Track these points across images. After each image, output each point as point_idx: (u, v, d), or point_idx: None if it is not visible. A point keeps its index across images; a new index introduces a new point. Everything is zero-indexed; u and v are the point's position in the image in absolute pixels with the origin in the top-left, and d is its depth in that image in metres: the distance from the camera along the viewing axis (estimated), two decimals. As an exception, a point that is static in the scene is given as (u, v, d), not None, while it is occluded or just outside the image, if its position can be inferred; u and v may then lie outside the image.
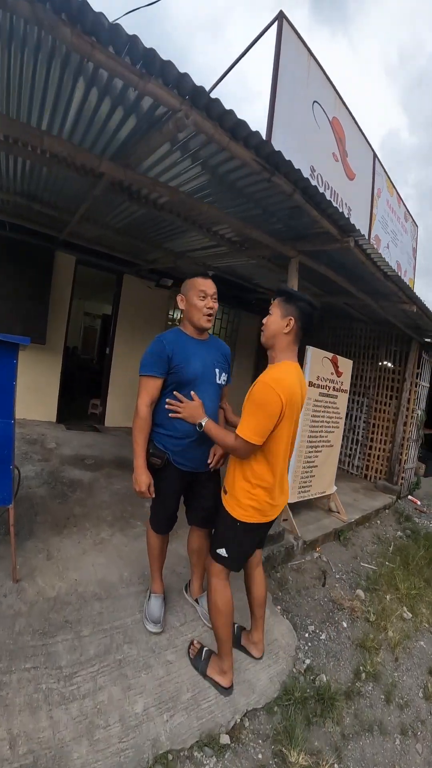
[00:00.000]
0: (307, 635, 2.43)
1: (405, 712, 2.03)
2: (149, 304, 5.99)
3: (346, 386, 4.13)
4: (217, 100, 1.60)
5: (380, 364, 5.80)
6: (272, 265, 4.05)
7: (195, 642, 1.96)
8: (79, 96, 1.82)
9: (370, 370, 5.90)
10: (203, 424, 1.68)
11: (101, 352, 6.14)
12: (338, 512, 4.08)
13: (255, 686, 1.88)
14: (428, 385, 5.78)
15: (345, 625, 2.60)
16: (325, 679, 2.04)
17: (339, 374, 3.99)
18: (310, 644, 2.35)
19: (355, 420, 5.97)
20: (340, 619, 2.65)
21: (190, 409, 1.73)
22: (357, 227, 2.61)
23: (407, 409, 5.23)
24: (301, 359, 2.04)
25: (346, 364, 4.14)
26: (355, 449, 5.94)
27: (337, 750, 1.69)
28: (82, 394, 6.90)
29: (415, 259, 4.65)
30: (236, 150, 1.86)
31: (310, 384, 3.56)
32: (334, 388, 3.91)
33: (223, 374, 1.93)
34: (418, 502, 5.32)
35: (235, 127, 1.76)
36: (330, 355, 3.90)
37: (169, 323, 6.46)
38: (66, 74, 1.67)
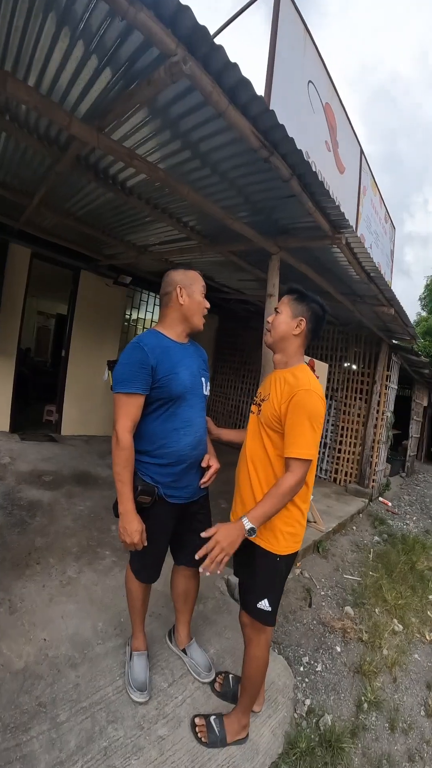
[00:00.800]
0: (302, 669, 2.23)
1: (409, 736, 1.94)
2: (107, 303, 5.54)
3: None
4: (220, 48, 1.29)
5: (347, 366, 5.79)
6: (244, 263, 3.79)
7: (198, 720, 1.61)
8: (50, 33, 1.43)
9: (337, 372, 5.87)
10: (254, 528, 1.27)
11: (56, 355, 5.61)
12: (315, 522, 3.93)
13: (258, 746, 1.63)
14: (396, 387, 5.86)
15: (339, 649, 2.43)
16: (329, 720, 1.87)
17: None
18: (307, 680, 2.15)
19: (324, 423, 5.90)
20: (332, 643, 2.48)
21: (226, 536, 1.26)
22: (350, 224, 2.41)
23: (377, 411, 5.24)
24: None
25: (322, 368, 4.01)
26: (324, 453, 5.89)
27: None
28: (36, 400, 6.35)
29: (393, 262, 4.66)
30: (234, 118, 1.56)
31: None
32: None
33: (207, 384, 1.67)
34: (390, 504, 5.36)
35: (237, 88, 1.46)
36: (307, 358, 3.72)
37: (126, 324, 6.04)
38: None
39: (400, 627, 2.72)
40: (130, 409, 1.43)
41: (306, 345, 1.54)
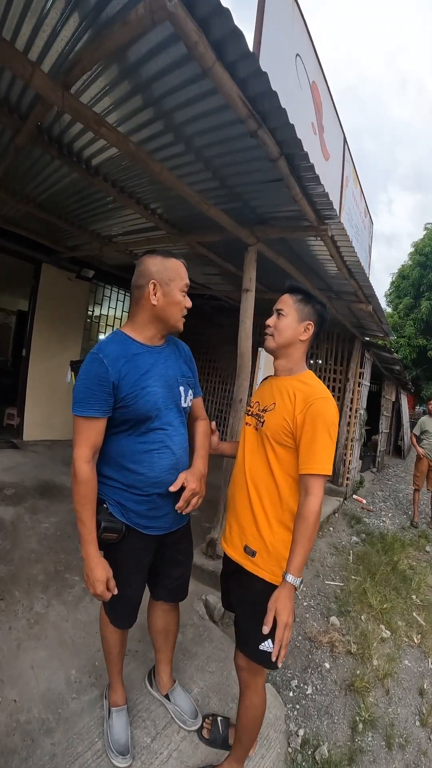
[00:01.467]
0: (291, 694, 2.08)
1: (407, 751, 1.88)
2: (69, 299, 5.14)
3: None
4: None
5: (318, 363, 5.74)
6: (214, 256, 3.58)
7: None
8: None
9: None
10: (297, 583, 1.14)
11: (17, 354, 5.14)
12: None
13: None
14: (368, 384, 5.88)
15: (328, 666, 2.30)
16: (326, 751, 1.75)
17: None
18: (298, 706, 2.01)
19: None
20: (321, 659, 2.35)
21: (287, 609, 1.12)
22: (337, 214, 2.25)
23: (351, 409, 5.21)
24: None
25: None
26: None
27: None
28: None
29: (370, 257, 4.61)
30: (221, 78, 1.33)
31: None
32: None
33: (189, 391, 1.38)
34: (364, 501, 5.38)
35: (226, 41, 1.23)
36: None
37: (88, 320, 5.65)
38: None
39: (388, 633, 2.65)
40: (88, 435, 1.18)
41: (307, 350, 1.42)
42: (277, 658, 1.11)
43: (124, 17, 1.16)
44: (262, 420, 1.30)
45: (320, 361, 5.67)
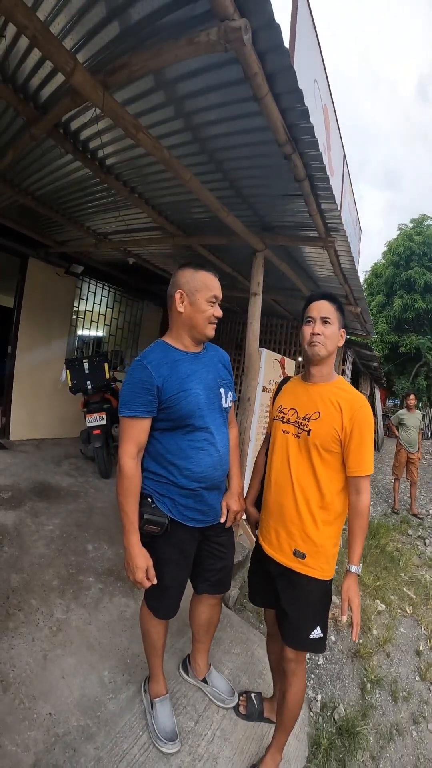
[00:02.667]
0: (306, 666, 2.25)
1: (410, 702, 2.14)
2: (55, 294, 5.00)
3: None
4: (277, 26, 1.14)
5: (299, 360, 5.96)
6: (213, 258, 3.66)
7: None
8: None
9: (292, 367, 6.01)
10: (359, 571, 1.36)
11: (2, 351, 4.97)
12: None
13: (288, 756, 1.62)
14: (349, 381, 6.18)
15: (333, 638, 2.54)
16: (342, 711, 1.99)
17: (285, 376, 3.86)
18: (313, 675, 2.24)
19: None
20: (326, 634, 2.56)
21: (356, 594, 1.32)
22: (344, 228, 2.41)
23: (334, 404, 5.46)
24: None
25: (290, 365, 4.05)
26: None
27: (373, 775, 1.67)
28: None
29: (359, 261, 4.83)
30: (270, 107, 1.41)
31: (264, 389, 3.34)
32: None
33: (229, 393, 1.50)
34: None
35: (278, 75, 1.32)
36: (279, 356, 3.74)
37: (74, 317, 5.55)
38: None
39: (383, 606, 2.93)
40: (133, 433, 1.30)
41: None
42: (349, 635, 1.32)
43: (191, 36, 1.20)
44: (306, 429, 1.34)
45: (300, 358, 5.88)
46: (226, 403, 1.46)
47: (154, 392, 1.28)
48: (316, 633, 1.36)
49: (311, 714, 1.94)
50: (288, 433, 1.40)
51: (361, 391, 8.59)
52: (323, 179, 1.90)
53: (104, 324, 6.14)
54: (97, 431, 4.00)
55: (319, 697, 2.05)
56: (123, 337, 6.52)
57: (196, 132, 1.84)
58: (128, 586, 2.41)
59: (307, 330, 1.38)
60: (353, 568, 1.31)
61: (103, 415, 4.06)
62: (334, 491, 1.33)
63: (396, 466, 5.59)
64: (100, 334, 6.22)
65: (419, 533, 4.68)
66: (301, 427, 1.36)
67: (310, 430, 1.33)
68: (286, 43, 1.29)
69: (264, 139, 1.71)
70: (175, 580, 1.43)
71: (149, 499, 1.35)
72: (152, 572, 1.31)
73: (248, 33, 1.09)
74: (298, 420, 1.38)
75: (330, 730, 1.84)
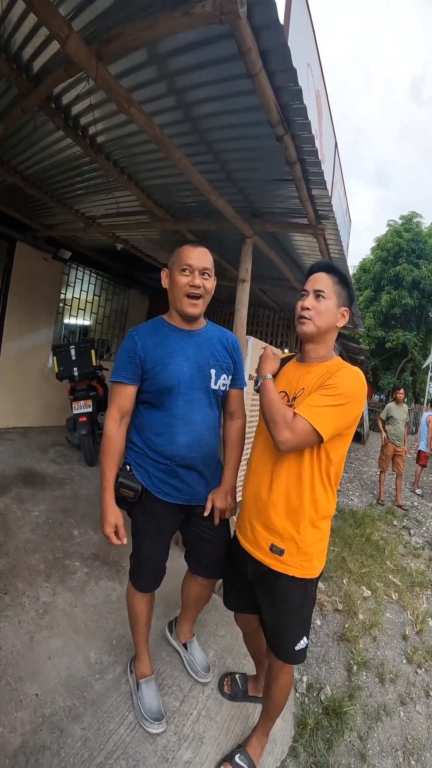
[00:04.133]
0: None
1: (397, 684, 2.18)
2: (43, 280, 4.90)
3: (279, 378, 4.06)
4: (273, 2, 1.12)
5: (287, 351, 5.99)
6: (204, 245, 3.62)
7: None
8: None
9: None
10: (266, 378, 1.26)
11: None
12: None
13: (275, 736, 1.64)
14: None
15: (319, 622, 2.58)
16: (329, 691, 2.02)
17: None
18: None
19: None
20: (312, 618, 2.60)
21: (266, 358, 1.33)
22: (334, 215, 2.41)
23: (321, 396, 5.52)
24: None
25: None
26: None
27: (361, 756, 1.72)
28: None
29: (348, 254, 4.84)
30: (263, 85, 1.39)
31: (250, 377, 3.34)
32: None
33: (223, 375, 1.44)
34: (331, 482, 5.78)
35: (273, 52, 1.30)
36: (265, 345, 3.74)
37: (61, 304, 5.47)
38: None
39: (369, 592, 2.99)
40: (117, 398, 1.40)
41: None
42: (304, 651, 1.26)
43: (187, 7, 1.17)
44: (291, 407, 1.20)
45: (287, 350, 5.91)
46: (214, 384, 1.42)
47: (137, 362, 1.35)
48: (302, 644, 1.26)
49: (297, 695, 1.96)
50: None
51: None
52: (315, 163, 1.89)
53: (91, 312, 6.06)
54: (83, 418, 3.97)
55: (305, 679, 2.07)
56: (110, 326, 6.45)
57: (188, 110, 1.81)
58: (114, 570, 2.42)
59: (299, 304, 1.25)
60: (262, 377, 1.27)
61: (89, 402, 4.03)
62: (318, 482, 1.19)
63: (382, 459, 5.68)
64: (87, 322, 6.14)
65: (404, 524, 4.79)
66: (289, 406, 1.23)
67: (294, 406, 1.20)
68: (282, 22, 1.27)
69: (256, 120, 1.69)
70: (149, 553, 1.45)
71: (128, 467, 1.42)
72: (122, 531, 1.36)
73: (244, 6, 1.07)
74: (287, 404, 1.25)
75: (316, 710, 1.86)
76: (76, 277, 5.68)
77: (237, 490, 1.57)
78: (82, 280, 5.79)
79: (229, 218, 2.58)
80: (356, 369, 1.19)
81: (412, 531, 4.58)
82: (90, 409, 4.02)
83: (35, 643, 1.75)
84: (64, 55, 1.54)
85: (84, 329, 6.17)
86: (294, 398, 1.25)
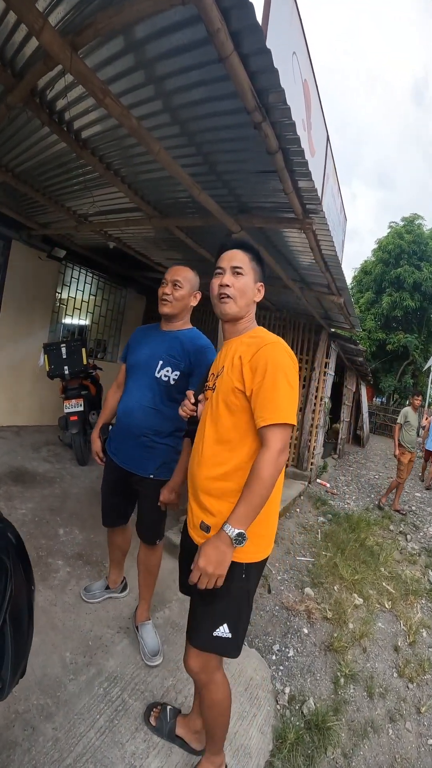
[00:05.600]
0: (274, 657, 2.24)
1: (387, 698, 2.07)
2: (38, 279, 4.90)
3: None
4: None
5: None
6: (191, 242, 3.59)
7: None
8: None
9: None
10: (243, 533, 1.02)
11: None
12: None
13: (250, 749, 1.58)
14: (333, 374, 6.18)
15: (306, 631, 2.49)
16: (312, 704, 1.92)
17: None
18: (282, 667, 2.16)
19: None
20: (299, 626, 2.53)
21: (210, 560, 1.03)
22: (322, 209, 2.36)
23: (316, 397, 5.47)
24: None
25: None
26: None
27: (344, 773, 1.61)
28: None
29: (343, 252, 4.80)
30: (236, 69, 1.35)
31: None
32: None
33: (168, 368, 1.68)
34: (328, 485, 5.69)
35: (244, 33, 1.26)
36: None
37: (57, 303, 5.46)
38: None
39: (361, 600, 2.89)
40: (119, 373, 1.90)
41: None
42: (236, 645, 1.14)
43: None
44: (215, 388, 1.19)
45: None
46: (157, 373, 1.67)
47: (127, 347, 1.87)
48: (222, 631, 1.12)
49: (278, 706, 1.88)
50: (207, 398, 1.26)
51: (346, 387, 8.66)
52: (298, 152, 1.84)
53: (87, 312, 6.04)
54: (74, 417, 3.94)
55: (287, 690, 1.98)
56: (106, 326, 6.43)
57: (166, 101, 1.78)
58: (96, 570, 2.38)
59: (215, 282, 1.23)
60: (227, 526, 1.01)
61: (81, 401, 4.00)
62: (241, 458, 1.11)
63: (401, 470, 5.26)
64: (83, 322, 6.12)
65: (401, 528, 4.69)
66: (213, 389, 1.21)
67: (216, 386, 1.19)
68: (257, 5, 1.24)
69: (235, 108, 1.65)
70: (105, 497, 1.88)
71: (110, 427, 1.87)
72: (101, 455, 1.86)
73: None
74: (211, 384, 1.24)
75: (298, 724, 1.77)
76: (71, 277, 5.68)
77: None
78: (78, 279, 5.78)
79: (213, 213, 2.54)
80: (276, 340, 1.13)
81: (408, 536, 4.48)
82: (81, 408, 3.99)
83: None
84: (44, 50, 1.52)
85: (80, 329, 6.15)
86: (217, 377, 1.21)
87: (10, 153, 2.69)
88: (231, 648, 1.16)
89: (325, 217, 2.47)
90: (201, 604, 1.17)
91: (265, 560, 1.20)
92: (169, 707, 1.54)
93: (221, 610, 1.14)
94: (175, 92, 1.72)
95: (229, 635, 1.13)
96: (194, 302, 1.74)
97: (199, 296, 1.75)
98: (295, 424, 1.08)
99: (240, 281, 1.20)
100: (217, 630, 1.12)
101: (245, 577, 1.12)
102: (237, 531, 1.00)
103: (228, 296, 1.19)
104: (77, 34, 1.41)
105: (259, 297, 1.27)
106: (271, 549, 1.21)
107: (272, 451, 1.02)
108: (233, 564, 1.07)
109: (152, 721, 1.49)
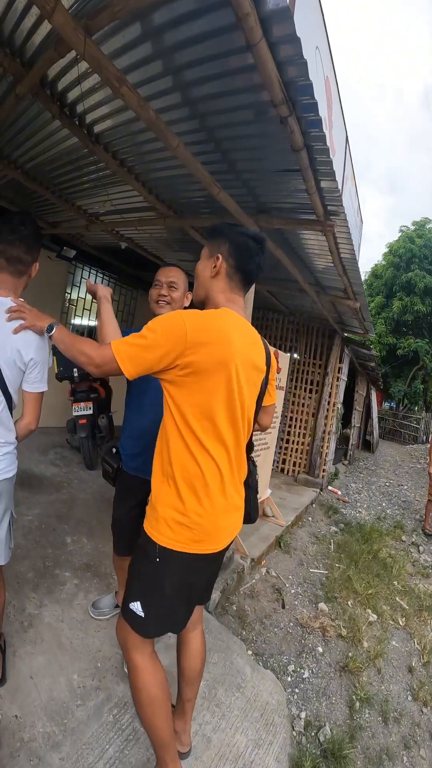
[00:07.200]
0: (290, 679, 2.15)
1: (402, 724, 2.00)
2: (47, 279, 4.83)
3: (284, 383, 3.92)
4: None
5: (295, 357, 5.82)
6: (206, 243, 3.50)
7: None
8: None
9: (287, 362, 5.87)
10: (53, 327, 1.27)
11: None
12: (275, 516, 3.87)
13: None
14: (346, 379, 6.06)
15: (321, 650, 2.40)
16: (328, 731, 1.84)
17: (278, 370, 3.73)
18: (297, 690, 2.08)
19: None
20: (313, 644, 2.44)
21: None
22: (344, 211, 2.27)
23: (329, 403, 5.35)
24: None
25: (284, 359, 3.92)
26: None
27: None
28: None
29: (359, 255, 4.69)
30: (264, 57, 1.27)
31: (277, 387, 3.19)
32: (275, 385, 3.63)
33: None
34: (339, 493, 5.56)
35: (273, 18, 1.18)
36: (273, 349, 3.58)
37: (66, 304, 5.40)
38: None
39: (374, 617, 2.79)
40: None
41: (239, 287, 1.21)
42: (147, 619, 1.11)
43: None
44: None
45: (296, 356, 5.75)
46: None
47: None
48: (136, 607, 1.12)
49: (294, 733, 1.79)
50: None
51: (357, 392, 8.50)
52: (323, 151, 1.76)
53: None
54: (83, 420, 3.86)
55: (303, 715, 1.90)
56: (116, 328, 6.37)
57: (185, 92, 1.69)
58: (105, 584, 2.29)
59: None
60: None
61: (90, 404, 3.92)
62: (174, 436, 1.08)
63: None
64: (93, 323, 6.07)
65: (413, 539, 4.56)
66: None
67: None
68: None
69: (259, 100, 1.56)
70: (122, 523, 1.68)
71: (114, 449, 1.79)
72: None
73: None
74: None
75: (314, 752, 1.69)
76: (81, 277, 5.63)
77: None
78: (88, 279, 5.73)
79: (232, 213, 2.45)
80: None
81: (421, 548, 4.35)
82: (90, 411, 3.91)
83: (18, 659, 1.65)
84: (55, 35, 1.45)
85: (90, 330, 6.10)
86: None
87: (20, 148, 2.61)
88: (140, 627, 1.14)
89: (346, 219, 2.38)
90: (129, 574, 1.20)
91: (195, 558, 1.09)
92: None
93: (135, 586, 1.15)
94: (194, 83, 1.63)
95: (142, 614, 1.12)
96: (187, 303, 1.70)
97: (190, 297, 1.69)
98: (119, 362, 1.02)
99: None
100: (132, 604, 1.13)
101: (159, 561, 1.09)
102: (48, 326, 1.28)
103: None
104: (91, 18, 1.32)
105: (214, 271, 1.18)
106: (204, 548, 1.10)
107: (103, 350, 1.06)
108: (147, 541, 1.10)
109: None
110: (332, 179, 1.97)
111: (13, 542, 1.48)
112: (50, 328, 1.25)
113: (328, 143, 1.75)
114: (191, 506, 1.07)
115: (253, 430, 1.32)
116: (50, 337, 1.27)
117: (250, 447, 1.31)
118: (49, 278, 4.85)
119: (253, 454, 1.39)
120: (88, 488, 3.56)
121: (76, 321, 5.77)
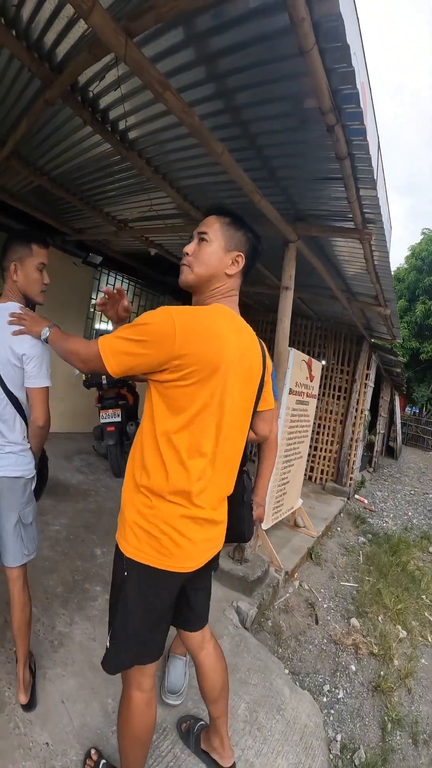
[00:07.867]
0: (325, 699, 2.10)
1: (430, 746, 1.96)
2: (72, 285, 4.88)
3: (316, 391, 3.84)
4: None
5: (323, 363, 5.71)
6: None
7: None
8: None
9: (319, 370, 5.78)
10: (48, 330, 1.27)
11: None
12: (305, 527, 3.78)
13: None
14: (373, 386, 5.92)
15: (354, 668, 2.34)
16: (363, 754, 1.80)
17: (311, 378, 3.66)
18: (333, 711, 2.03)
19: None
20: (347, 662, 2.39)
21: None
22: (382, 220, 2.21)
23: (356, 410, 5.24)
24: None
25: (317, 367, 3.85)
26: (298, 449, 5.81)
27: None
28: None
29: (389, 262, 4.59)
30: (315, 64, 1.23)
31: (290, 392, 3.12)
32: (307, 394, 3.57)
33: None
34: (366, 501, 5.43)
35: (325, 24, 1.15)
36: (306, 357, 3.53)
37: (92, 309, 5.46)
38: None
39: (404, 633, 2.71)
40: None
41: (238, 290, 1.14)
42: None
43: None
44: None
45: (323, 362, 5.64)
46: None
47: None
48: (108, 638, 1.05)
49: (331, 756, 1.74)
50: None
51: (382, 398, 8.30)
52: (365, 159, 1.71)
53: (122, 318, 6.04)
54: (111, 428, 3.86)
55: (338, 737, 1.85)
56: (141, 333, 6.41)
57: (228, 99, 1.66)
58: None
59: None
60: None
61: (118, 411, 3.92)
62: (152, 441, 1.01)
63: None
64: (117, 329, 6.13)
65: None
66: None
67: None
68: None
69: (304, 108, 1.53)
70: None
71: None
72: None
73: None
74: None
75: (350, 777, 1.64)
76: (107, 283, 5.69)
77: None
78: (114, 285, 5.78)
79: (272, 221, 2.39)
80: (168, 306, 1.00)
81: (450, 559, 4.19)
82: (119, 419, 3.91)
83: (48, 681, 1.58)
84: (90, 38, 1.41)
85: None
86: None
87: (46, 155, 2.60)
88: (105, 661, 1.07)
89: (383, 227, 2.32)
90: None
91: (165, 574, 1.01)
92: (201, 722, 1.52)
93: (110, 607, 1.09)
94: (237, 90, 1.60)
95: (107, 644, 1.05)
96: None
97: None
98: (104, 359, 0.97)
99: (203, 248, 1.07)
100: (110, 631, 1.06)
101: (127, 575, 1.02)
102: (46, 330, 1.26)
103: (184, 264, 1.09)
104: (132, 19, 1.26)
105: (233, 270, 1.08)
106: (173, 565, 1.00)
107: (91, 346, 1.02)
108: (118, 553, 1.04)
109: (183, 727, 1.51)
110: (372, 188, 1.92)
111: (34, 549, 1.49)
112: (45, 333, 1.26)
113: (370, 152, 1.70)
114: (159, 512, 0.99)
115: (249, 440, 1.24)
116: (46, 341, 1.28)
117: (243, 459, 1.21)
118: (75, 284, 4.91)
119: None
120: (116, 497, 3.54)
121: (102, 326, 5.83)
